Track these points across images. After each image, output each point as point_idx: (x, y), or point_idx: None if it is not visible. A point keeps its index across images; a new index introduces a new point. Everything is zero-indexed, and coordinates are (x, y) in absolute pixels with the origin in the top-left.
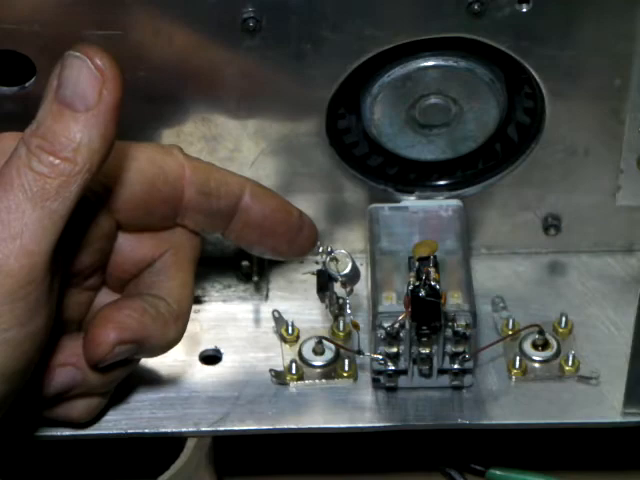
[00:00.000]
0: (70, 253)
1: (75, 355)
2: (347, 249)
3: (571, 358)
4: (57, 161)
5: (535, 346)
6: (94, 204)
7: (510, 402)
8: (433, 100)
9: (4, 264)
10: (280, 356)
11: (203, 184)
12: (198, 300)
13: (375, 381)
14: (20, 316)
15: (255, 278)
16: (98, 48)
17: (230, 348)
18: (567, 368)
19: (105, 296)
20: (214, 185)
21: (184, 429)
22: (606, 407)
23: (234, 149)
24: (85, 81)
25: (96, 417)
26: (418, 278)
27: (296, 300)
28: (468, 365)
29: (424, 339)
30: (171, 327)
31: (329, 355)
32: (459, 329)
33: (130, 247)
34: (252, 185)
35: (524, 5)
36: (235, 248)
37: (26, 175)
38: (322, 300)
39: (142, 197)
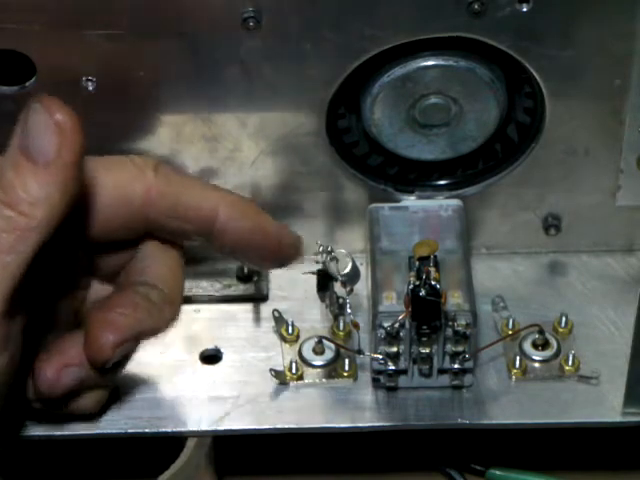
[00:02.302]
0: (46, 281)
1: (78, 355)
2: (347, 249)
3: (571, 358)
4: (13, 214)
5: (535, 346)
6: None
7: (510, 402)
8: (433, 100)
9: None
10: (280, 356)
11: (170, 209)
12: (198, 300)
13: (375, 381)
14: None
15: (255, 278)
16: (60, 102)
17: (230, 348)
18: (567, 368)
19: (98, 286)
20: (182, 210)
21: (184, 429)
22: (606, 407)
23: (234, 149)
24: (44, 136)
25: (97, 415)
26: (418, 278)
27: (296, 300)
28: (468, 365)
29: (424, 339)
30: (165, 312)
31: (329, 355)
32: (459, 329)
33: (110, 249)
34: (226, 207)
35: (524, 5)
36: None
37: None
38: (322, 300)
39: (106, 223)
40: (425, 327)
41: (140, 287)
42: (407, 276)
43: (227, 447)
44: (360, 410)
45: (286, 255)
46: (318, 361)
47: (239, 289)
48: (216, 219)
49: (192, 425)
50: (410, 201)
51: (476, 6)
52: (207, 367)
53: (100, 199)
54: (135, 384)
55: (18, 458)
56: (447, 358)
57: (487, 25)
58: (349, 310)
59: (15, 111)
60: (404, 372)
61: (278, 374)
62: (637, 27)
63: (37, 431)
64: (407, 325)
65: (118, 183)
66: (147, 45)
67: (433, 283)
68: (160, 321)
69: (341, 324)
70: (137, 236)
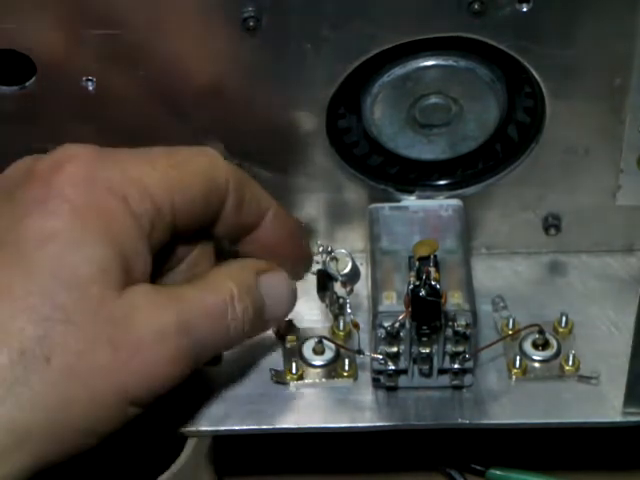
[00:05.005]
0: None
1: None
2: (347, 249)
3: (571, 358)
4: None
5: (535, 346)
6: None
7: (510, 402)
8: (433, 100)
9: None
10: (280, 356)
11: (240, 197)
12: None
13: (375, 381)
14: None
15: None
16: None
17: None
18: (567, 368)
19: None
20: (247, 199)
21: (184, 429)
22: (606, 407)
23: None
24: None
25: None
26: (418, 278)
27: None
28: (468, 365)
29: (424, 339)
30: None
31: (329, 355)
32: (459, 329)
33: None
34: (277, 206)
35: (524, 4)
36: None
37: None
38: (322, 300)
39: (199, 212)
40: (425, 327)
41: None
42: (407, 276)
43: (227, 447)
44: (360, 410)
45: (301, 270)
46: (318, 361)
47: None
48: (266, 215)
49: (192, 425)
50: (410, 201)
51: (476, 6)
52: (207, 367)
53: (195, 191)
54: None
55: None
56: (447, 358)
57: (487, 25)
58: (349, 310)
59: (15, 111)
60: (404, 372)
61: (278, 374)
62: (637, 27)
63: None
64: (407, 325)
65: (206, 172)
66: (147, 45)
67: (433, 283)
68: None
69: (341, 324)
70: (202, 227)
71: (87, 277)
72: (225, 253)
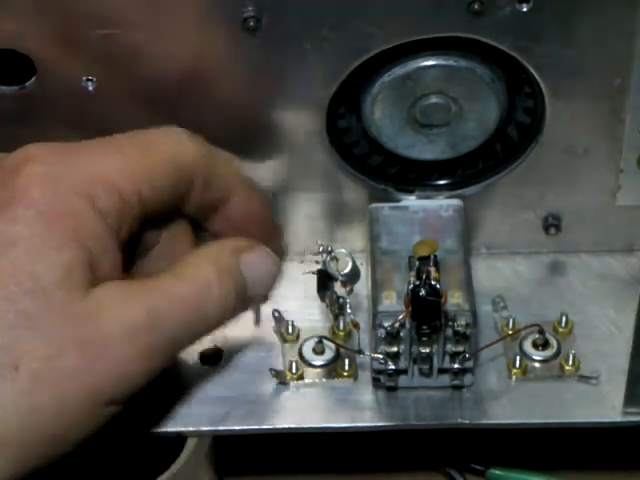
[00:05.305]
0: None
1: None
2: (347, 248)
3: (571, 358)
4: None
5: (535, 346)
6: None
7: (510, 402)
8: (433, 99)
9: None
10: (280, 356)
11: (208, 176)
12: None
13: (375, 380)
14: None
15: None
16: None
17: (230, 348)
18: (567, 368)
19: None
20: (215, 176)
21: (184, 429)
22: (606, 407)
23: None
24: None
25: None
26: (418, 277)
27: (296, 300)
28: (468, 364)
29: (424, 338)
30: None
31: (329, 354)
32: (459, 329)
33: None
34: (245, 181)
35: (524, 4)
36: None
37: None
38: (322, 299)
39: (167, 198)
40: (425, 327)
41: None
42: (407, 276)
43: (227, 447)
44: (360, 410)
45: (274, 248)
46: (318, 361)
47: None
48: (234, 192)
49: (192, 425)
50: (410, 201)
51: (476, 6)
52: (207, 367)
53: (164, 180)
54: None
55: None
56: (447, 358)
57: (487, 25)
58: (349, 310)
59: (15, 111)
60: (404, 372)
61: (278, 374)
62: (637, 27)
63: None
64: (407, 325)
65: (173, 152)
66: (147, 45)
67: (433, 283)
68: None
69: (341, 324)
70: (170, 210)
71: (52, 283)
72: (201, 235)
